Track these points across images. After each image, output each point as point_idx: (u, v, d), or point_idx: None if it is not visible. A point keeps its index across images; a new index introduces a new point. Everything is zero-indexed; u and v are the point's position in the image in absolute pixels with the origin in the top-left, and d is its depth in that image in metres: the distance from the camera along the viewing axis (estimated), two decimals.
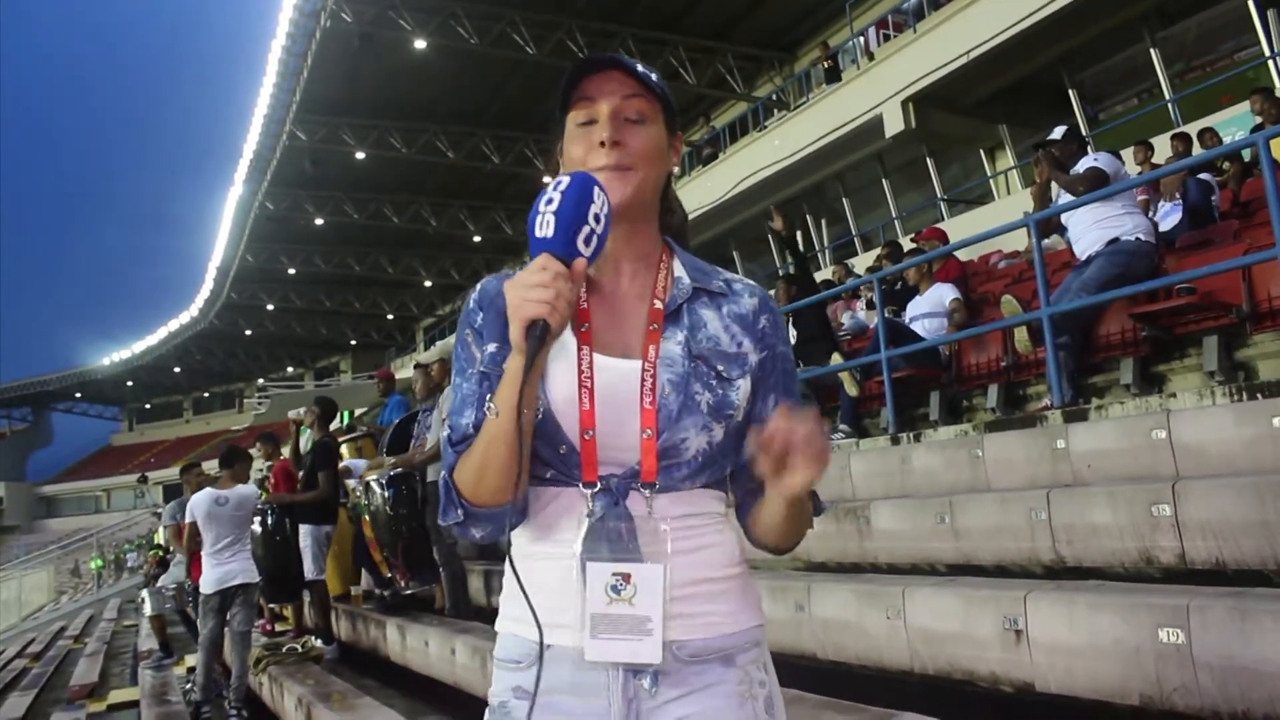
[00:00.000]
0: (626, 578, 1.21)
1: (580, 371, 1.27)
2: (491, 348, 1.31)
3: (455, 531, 1.31)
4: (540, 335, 1.13)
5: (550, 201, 1.17)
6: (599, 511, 1.25)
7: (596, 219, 1.18)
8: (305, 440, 8.61)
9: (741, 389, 1.31)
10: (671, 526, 1.26)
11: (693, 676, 1.27)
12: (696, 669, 1.27)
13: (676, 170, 1.42)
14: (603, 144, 1.30)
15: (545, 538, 1.28)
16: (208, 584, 6.71)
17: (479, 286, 1.39)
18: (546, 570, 1.26)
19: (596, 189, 1.19)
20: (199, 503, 6.83)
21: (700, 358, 1.30)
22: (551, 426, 1.26)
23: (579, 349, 1.28)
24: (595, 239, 1.18)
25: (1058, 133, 6.14)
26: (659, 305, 1.33)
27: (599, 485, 1.26)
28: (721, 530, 1.34)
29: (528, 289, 1.13)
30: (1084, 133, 6.70)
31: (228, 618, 6.76)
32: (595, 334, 1.29)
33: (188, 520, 6.90)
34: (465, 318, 1.38)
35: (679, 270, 1.38)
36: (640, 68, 1.32)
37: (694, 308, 1.34)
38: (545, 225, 1.16)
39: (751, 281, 1.41)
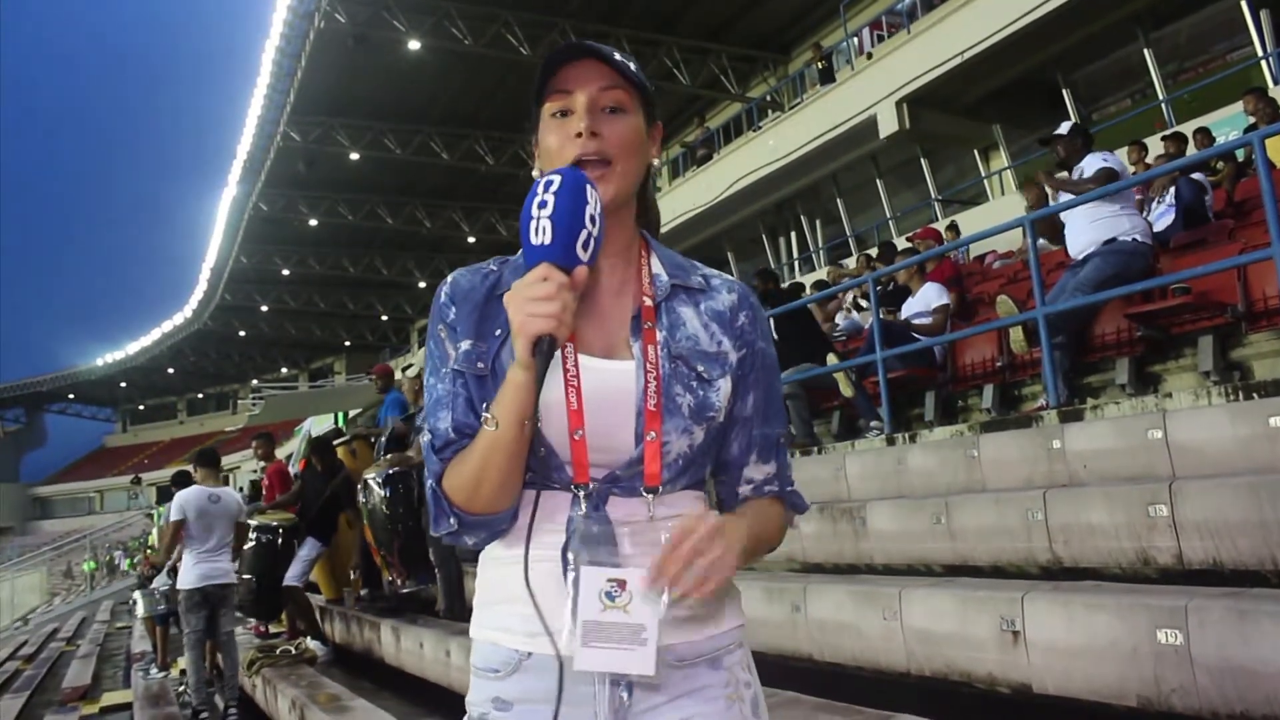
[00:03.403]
0: (622, 584, 1.16)
1: (566, 371, 1.23)
2: (466, 345, 1.27)
3: (447, 539, 1.27)
4: (548, 350, 1.11)
5: (544, 205, 1.13)
6: (590, 515, 1.21)
7: (592, 220, 1.14)
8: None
9: (722, 390, 1.28)
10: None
11: (680, 681, 1.25)
12: (684, 673, 1.25)
13: (657, 162, 1.38)
14: (579, 135, 1.25)
15: (520, 541, 1.22)
16: (190, 580, 6.64)
17: (450, 279, 1.33)
18: (519, 575, 1.20)
19: (589, 187, 1.15)
20: (192, 499, 6.73)
21: (680, 358, 1.26)
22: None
23: (561, 349, 1.20)
24: (593, 242, 1.15)
25: (1063, 128, 6.12)
26: (649, 302, 1.29)
27: (589, 487, 1.23)
28: None
29: (531, 303, 1.10)
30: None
31: (215, 619, 6.74)
32: (577, 332, 1.22)
33: (175, 518, 6.76)
34: (437, 313, 1.32)
35: (656, 266, 1.34)
36: (618, 56, 1.27)
37: (672, 305, 1.31)
38: (541, 232, 1.13)
39: (731, 277, 1.38)
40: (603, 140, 1.25)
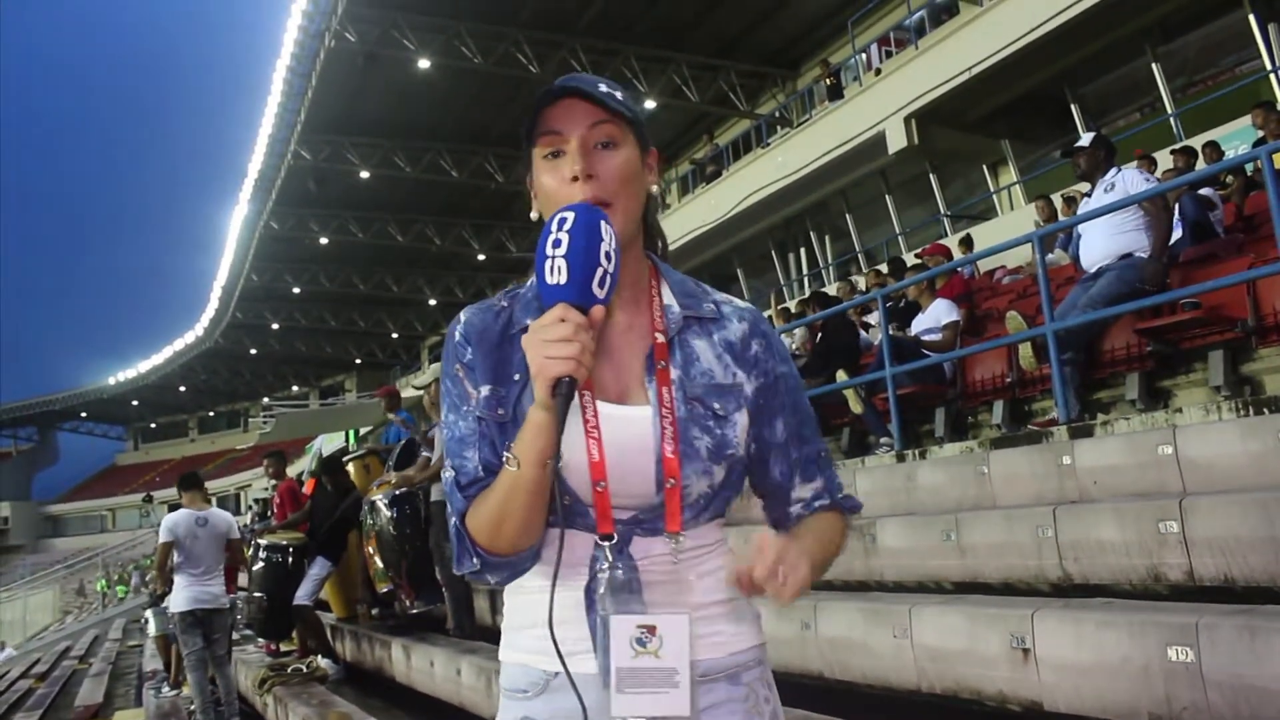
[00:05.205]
0: (651, 630, 1.18)
1: (586, 421, 1.22)
2: (485, 390, 1.27)
3: (470, 579, 1.29)
4: (568, 391, 1.09)
5: (558, 244, 1.11)
6: (616, 564, 1.22)
7: (608, 257, 1.12)
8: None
9: (739, 424, 1.28)
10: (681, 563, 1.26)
11: (702, 695, 1.26)
12: (705, 688, 1.27)
13: (656, 189, 1.35)
14: (575, 179, 1.23)
15: (545, 574, 1.24)
16: (181, 602, 6.67)
17: (462, 320, 1.32)
18: (546, 603, 1.21)
19: (604, 224, 1.13)
20: (179, 522, 6.74)
21: (695, 400, 1.25)
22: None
23: (580, 395, 1.20)
24: (609, 279, 1.13)
25: (1085, 140, 6.06)
26: (661, 339, 1.28)
27: (614, 537, 1.23)
28: (722, 554, 1.33)
29: (550, 345, 1.09)
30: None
31: (210, 643, 6.76)
32: (592, 374, 1.17)
33: (164, 540, 6.78)
34: (453, 351, 1.30)
35: (667, 296, 1.32)
36: (603, 87, 1.25)
37: (685, 339, 1.29)
38: (557, 272, 1.11)
39: (743, 304, 1.36)
40: (599, 181, 1.23)
